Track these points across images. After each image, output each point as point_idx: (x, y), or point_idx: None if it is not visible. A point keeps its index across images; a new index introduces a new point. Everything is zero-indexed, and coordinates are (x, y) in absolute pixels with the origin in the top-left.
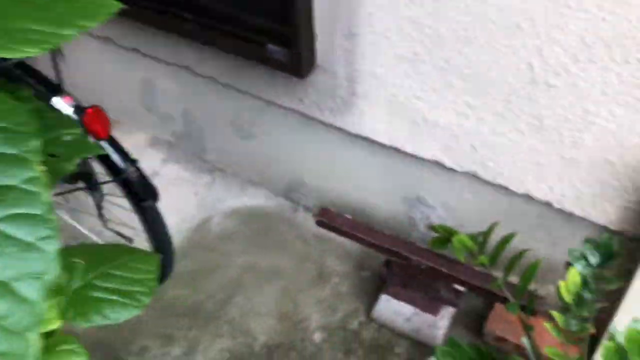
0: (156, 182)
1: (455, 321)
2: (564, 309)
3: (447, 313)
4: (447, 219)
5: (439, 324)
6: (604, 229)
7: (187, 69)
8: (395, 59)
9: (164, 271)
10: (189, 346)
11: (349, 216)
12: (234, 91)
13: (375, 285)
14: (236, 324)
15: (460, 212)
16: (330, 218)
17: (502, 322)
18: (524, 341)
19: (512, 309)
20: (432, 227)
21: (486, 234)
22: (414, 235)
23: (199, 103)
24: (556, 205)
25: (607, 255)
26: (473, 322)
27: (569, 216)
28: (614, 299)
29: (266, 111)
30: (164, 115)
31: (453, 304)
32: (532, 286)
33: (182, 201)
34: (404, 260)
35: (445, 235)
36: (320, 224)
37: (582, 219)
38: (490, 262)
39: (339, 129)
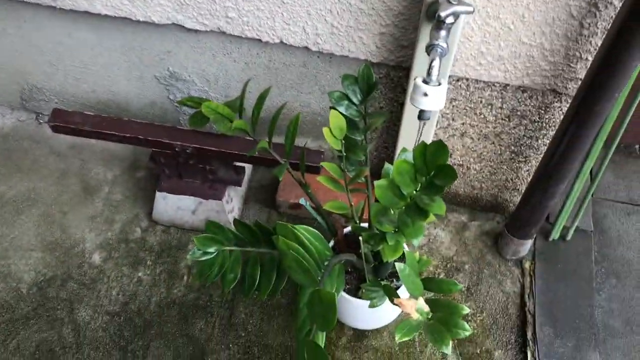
0: None
1: (247, 199)
2: (339, 157)
3: (233, 194)
4: (209, 91)
5: (227, 208)
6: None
7: None
8: None
9: None
10: None
11: (90, 112)
12: None
13: (153, 184)
14: None
15: (221, 80)
16: (65, 119)
17: (295, 188)
18: (302, 202)
19: (279, 171)
20: (180, 102)
21: (241, 95)
22: (184, 120)
23: None
24: (313, 48)
25: (367, 89)
26: (266, 195)
27: (330, 59)
28: (392, 133)
29: None
30: None
31: (236, 183)
32: (315, 143)
33: None
34: (169, 149)
35: (197, 107)
36: (56, 129)
37: (344, 59)
38: (252, 127)
39: (51, 9)
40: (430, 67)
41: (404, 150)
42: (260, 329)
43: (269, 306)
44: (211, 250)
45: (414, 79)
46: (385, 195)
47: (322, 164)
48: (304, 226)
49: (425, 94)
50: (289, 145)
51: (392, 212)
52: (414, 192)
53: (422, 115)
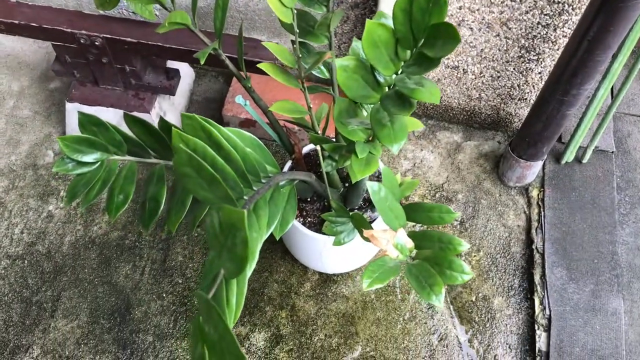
0: None
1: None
2: (292, 42)
3: (167, 106)
4: None
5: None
6: None
7: None
8: None
9: None
10: None
11: None
12: None
13: None
14: None
15: None
16: None
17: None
18: (239, 100)
19: (200, 55)
20: None
21: None
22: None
23: None
24: None
25: None
26: (213, 111)
27: None
28: (365, 7)
29: None
30: None
31: (168, 91)
32: (273, 42)
33: None
34: (72, 42)
35: None
36: None
37: None
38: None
39: None
40: None
41: (381, 14)
42: (201, 274)
43: None
44: (89, 159)
45: None
46: (353, 82)
47: (265, 44)
48: (234, 129)
49: None
50: (220, 19)
51: (363, 111)
52: (394, 75)
53: None
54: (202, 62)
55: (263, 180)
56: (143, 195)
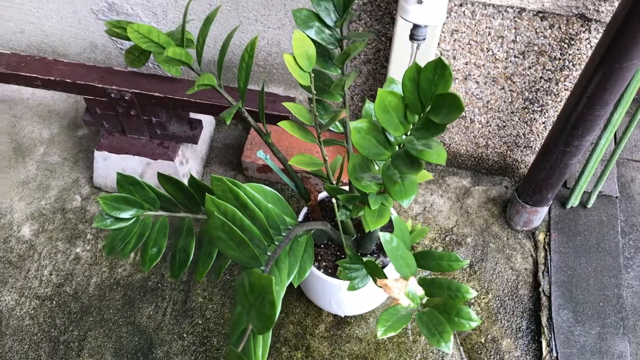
0: None
1: (209, 161)
2: (309, 99)
3: (189, 154)
4: (158, 27)
5: (181, 170)
6: None
7: None
8: None
9: None
10: None
11: (5, 51)
12: None
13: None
14: None
15: (170, 13)
16: None
17: (264, 149)
18: (260, 154)
19: (226, 115)
20: (108, 31)
21: (182, 19)
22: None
23: None
24: None
25: (344, 4)
26: (232, 157)
27: None
28: (380, 78)
29: None
30: None
31: (191, 140)
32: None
33: None
34: (104, 96)
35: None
36: None
37: None
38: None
39: None
40: None
41: (391, 81)
42: (220, 315)
43: (233, 288)
44: (126, 215)
45: None
46: (366, 141)
47: (285, 104)
48: (254, 184)
49: (419, 1)
50: (243, 80)
51: (375, 166)
52: (404, 136)
53: (415, 33)
54: (227, 122)
55: (283, 233)
56: (173, 247)
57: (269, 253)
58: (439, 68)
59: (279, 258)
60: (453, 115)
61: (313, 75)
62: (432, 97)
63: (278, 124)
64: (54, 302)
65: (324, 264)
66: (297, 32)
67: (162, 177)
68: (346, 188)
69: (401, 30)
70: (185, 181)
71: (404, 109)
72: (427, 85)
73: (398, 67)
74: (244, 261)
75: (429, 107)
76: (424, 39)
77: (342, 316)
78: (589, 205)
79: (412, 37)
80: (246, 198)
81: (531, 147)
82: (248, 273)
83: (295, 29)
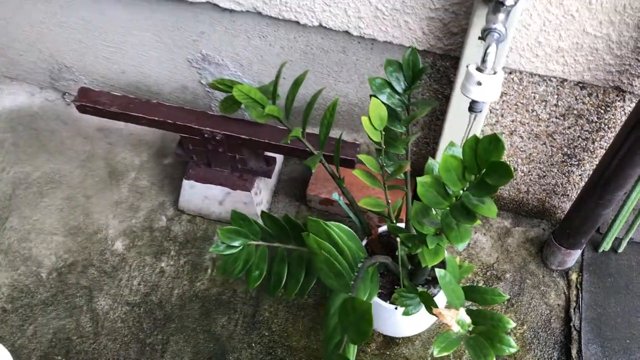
0: None
1: (277, 192)
2: (377, 150)
3: (262, 186)
4: (242, 76)
5: (256, 200)
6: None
7: None
8: None
9: None
10: None
11: (117, 93)
12: None
13: (181, 172)
14: (14, 252)
15: (255, 65)
16: (92, 99)
17: (326, 183)
18: (335, 196)
19: (312, 162)
20: (211, 85)
21: (275, 79)
22: (215, 106)
23: None
24: (355, 32)
25: (412, 76)
26: (297, 189)
27: (371, 45)
28: (435, 128)
29: None
30: None
31: (266, 174)
32: (350, 136)
33: None
34: (198, 135)
35: (229, 91)
36: (82, 109)
37: (387, 45)
38: (286, 114)
39: None
40: (485, 54)
41: (452, 144)
42: (284, 329)
43: (295, 306)
44: (236, 244)
45: (467, 67)
46: (428, 193)
47: (359, 156)
48: (337, 224)
49: (479, 83)
50: (324, 134)
51: (434, 212)
52: (461, 191)
53: (473, 106)
54: (313, 170)
55: (359, 265)
56: (268, 271)
57: (351, 282)
58: (494, 141)
59: (358, 286)
60: (504, 180)
61: (383, 133)
62: (488, 162)
63: (353, 172)
64: (142, 309)
65: (380, 290)
66: (374, 99)
67: (265, 215)
68: (401, 225)
69: (456, 104)
70: (259, 210)
71: (463, 169)
72: (483, 153)
73: (452, 133)
74: (337, 288)
75: (484, 170)
76: (480, 111)
77: (392, 337)
78: (620, 251)
79: (471, 109)
80: (337, 237)
81: (568, 195)
82: (352, 299)
83: (364, 86)
